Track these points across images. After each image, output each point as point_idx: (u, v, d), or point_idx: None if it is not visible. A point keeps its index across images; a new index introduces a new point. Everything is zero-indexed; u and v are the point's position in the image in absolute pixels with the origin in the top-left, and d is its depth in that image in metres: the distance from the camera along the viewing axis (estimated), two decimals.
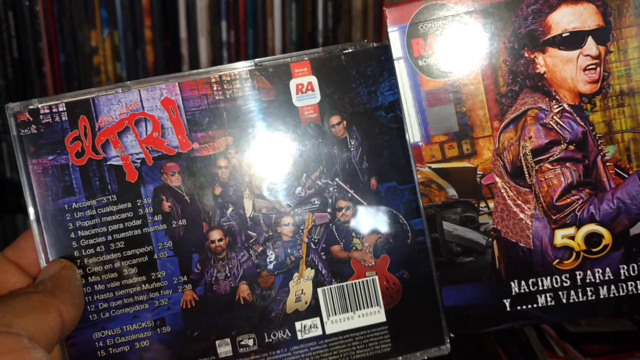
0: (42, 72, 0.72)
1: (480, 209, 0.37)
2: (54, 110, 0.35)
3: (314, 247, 0.37)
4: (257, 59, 0.36)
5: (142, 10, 0.73)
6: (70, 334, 0.34)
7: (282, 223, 0.37)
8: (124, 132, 0.35)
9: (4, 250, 0.36)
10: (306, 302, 0.37)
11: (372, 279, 0.37)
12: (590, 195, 0.36)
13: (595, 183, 0.36)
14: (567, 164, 0.36)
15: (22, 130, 0.35)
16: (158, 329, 0.36)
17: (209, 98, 0.36)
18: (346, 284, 0.37)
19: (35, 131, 0.35)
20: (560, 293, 0.36)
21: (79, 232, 0.35)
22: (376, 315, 0.38)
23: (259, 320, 0.37)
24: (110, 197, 0.35)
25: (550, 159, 0.36)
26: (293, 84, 0.36)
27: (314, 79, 0.36)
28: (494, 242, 0.36)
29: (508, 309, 0.37)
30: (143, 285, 0.36)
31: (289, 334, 0.37)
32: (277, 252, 0.37)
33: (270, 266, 0.37)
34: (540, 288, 0.36)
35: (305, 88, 0.36)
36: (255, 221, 0.37)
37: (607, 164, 0.36)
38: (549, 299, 0.37)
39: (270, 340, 0.37)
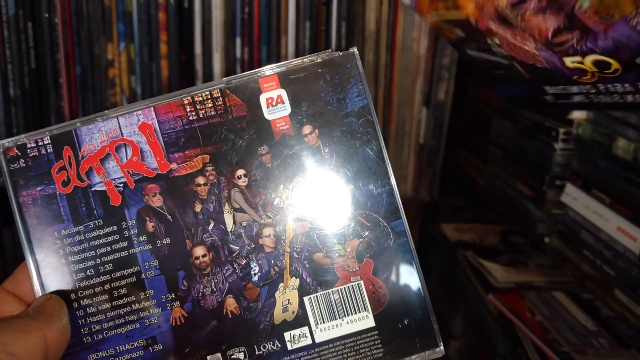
0: (58, 83, 0.75)
1: (490, 43, 0.38)
2: (40, 143, 0.37)
3: (297, 256, 0.38)
4: (226, 77, 0.38)
5: (159, 25, 0.76)
6: (61, 357, 0.36)
7: (264, 235, 0.38)
8: (106, 159, 0.38)
9: (3, 282, 0.38)
10: (293, 312, 0.38)
11: (358, 284, 0.38)
12: (582, 35, 0.37)
13: (581, 28, 0.37)
14: (548, 13, 0.37)
15: (11, 165, 0.37)
16: (150, 348, 0.37)
17: (183, 119, 0.38)
18: (332, 291, 0.38)
19: (24, 165, 0.37)
20: (590, 95, 0.37)
21: (70, 257, 0.37)
22: (365, 320, 0.38)
23: (248, 333, 0.38)
24: (96, 221, 0.37)
25: (529, 9, 0.37)
26: (263, 98, 0.38)
27: (283, 92, 0.38)
28: (514, 63, 0.38)
29: (549, 101, 0.37)
30: (133, 305, 0.37)
31: (279, 345, 0.38)
32: (260, 263, 0.38)
33: (255, 278, 0.38)
34: (571, 91, 0.38)
35: (275, 101, 0.38)
36: (237, 235, 0.38)
37: (587, 13, 0.36)
38: (582, 97, 0.38)
39: (261, 352, 0.38)
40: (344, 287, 0.38)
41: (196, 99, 0.38)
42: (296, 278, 0.38)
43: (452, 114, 0.89)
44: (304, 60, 0.39)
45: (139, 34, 0.77)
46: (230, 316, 0.38)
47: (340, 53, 0.39)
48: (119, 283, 0.37)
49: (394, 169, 0.86)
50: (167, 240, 0.38)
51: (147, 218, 0.38)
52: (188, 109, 0.38)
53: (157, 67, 0.78)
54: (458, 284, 0.86)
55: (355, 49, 0.39)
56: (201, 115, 0.38)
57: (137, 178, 0.38)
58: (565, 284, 0.77)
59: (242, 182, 0.38)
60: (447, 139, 0.90)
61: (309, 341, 0.38)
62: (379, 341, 0.38)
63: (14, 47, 0.73)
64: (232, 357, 0.38)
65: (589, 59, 0.37)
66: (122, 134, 0.38)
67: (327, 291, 0.38)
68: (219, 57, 0.79)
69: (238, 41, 0.79)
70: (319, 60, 0.39)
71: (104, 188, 0.38)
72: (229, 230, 0.38)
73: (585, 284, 0.73)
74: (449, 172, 0.98)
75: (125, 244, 0.37)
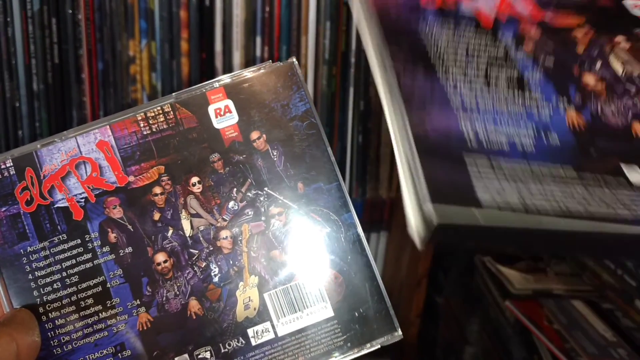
0: (80, 78, 0.79)
1: None
2: (2, 166, 0.41)
3: (254, 255, 0.41)
4: (175, 92, 0.42)
5: (180, 22, 0.80)
6: None
7: (221, 237, 0.41)
8: (67, 177, 0.41)
9: None
10: (255, 309, 0.41)
11: (315, 277, 0.41)
12: None
13: None
14: None
15: None
16: (119, 354, 0.40)
17: (137, 134, 0.41)
18: (290, 285, 0.41)
19: None
20: None
21: (36, 272, 0.40)
22: (324, 310, 0.41)
23: (213, 332, 0.41)
24: (60, 236, 0.40)
25: None
26: (211, 109, 0.42)
27: (229, 102, 0.42)
28: None
29: None
30: (100, 314, 0.40)
31: (243, 342, 0.40)
32: (220, 265, 0.41)
33: (216, 279, 0.41)
34: None
35: (223, 111, 0.42)
36: (195, 239, 0.41)
37: None
38: None
39: (227, 349, 0.40)
40: (302, 281, 0.41)
41: (149, 114, 0.42)
42: (255, 276, 0.41)
43: None
44: (247, 71, 0.42)
45: (161, 32, 0.80)
46: (194, 317, 0.41)
47: (281, 63, 0.43)
48: (86, 294, 0.40)
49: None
50: (129, 250, 0.41)
51: (109, 229, 0.41)
52: (142, 125, 0.42)
53: (178, 64, 0.81)
54: (475, 289, 0.87)
55: (294, 59, 0.43)
56: (154, 129, 0.42)
57: (97, 192, 0.41)
58: (585, 292, 0.77)
59: (197, 188, 0.41)
60: None
61: (271, 335, 0.41)
62: (339, 330, 0.41)
63: (38, 42, 0.77)
64: (199, 356, 0.40)
65: None
66: (80, 152, 0.41)
67: (285, 286, 0.41)
68: (239, 55, 0.82)
69: (258, 40, 0.82)
70: (261, 71, 0.43)
71: (66, 204, 0.41)
72: (187, 235, 0.41)
73: (605, 293, 0.73)
74: None
75: (89, 255, 0.40)
